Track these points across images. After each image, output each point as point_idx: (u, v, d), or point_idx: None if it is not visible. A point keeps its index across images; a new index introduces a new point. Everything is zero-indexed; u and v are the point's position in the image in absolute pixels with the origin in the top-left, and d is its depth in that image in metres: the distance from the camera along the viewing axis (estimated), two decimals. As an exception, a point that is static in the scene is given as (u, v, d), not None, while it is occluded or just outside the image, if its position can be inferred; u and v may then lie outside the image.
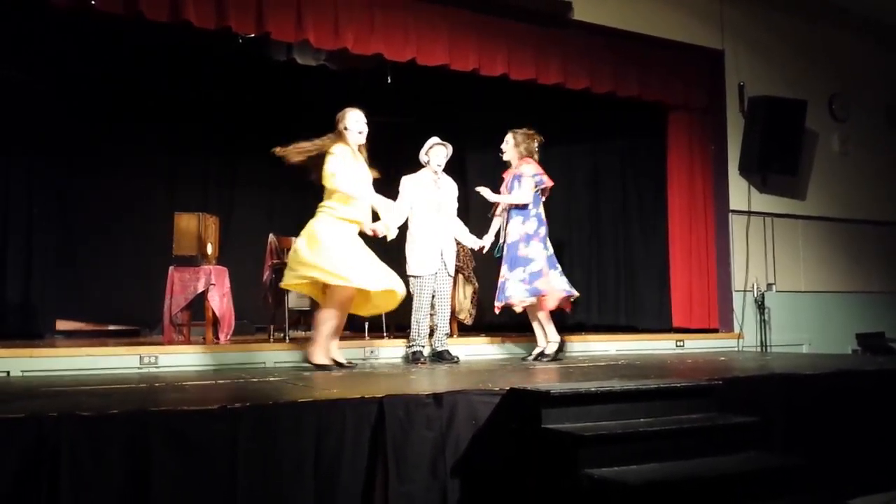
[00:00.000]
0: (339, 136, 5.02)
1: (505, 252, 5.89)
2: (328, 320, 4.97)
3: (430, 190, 5.74)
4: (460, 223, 5.97)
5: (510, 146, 6.01)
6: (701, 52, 7.73)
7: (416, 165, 5.85)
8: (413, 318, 5.73)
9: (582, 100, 7.50)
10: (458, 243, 6.07)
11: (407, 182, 5.76)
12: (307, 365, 5.06)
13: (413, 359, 5.69)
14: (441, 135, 5.82)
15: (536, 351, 5.92)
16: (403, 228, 5.63)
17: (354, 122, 5.05)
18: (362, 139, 5.08)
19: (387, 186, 5.80)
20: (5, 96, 7.27)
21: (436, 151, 5.74)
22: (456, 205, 5.94)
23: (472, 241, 6.00)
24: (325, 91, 8.05)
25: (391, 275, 4.98)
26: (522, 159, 5.94)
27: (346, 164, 4.94)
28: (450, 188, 5.89)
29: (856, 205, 8.41)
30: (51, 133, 7.78)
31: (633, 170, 8.52)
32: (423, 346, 5.75)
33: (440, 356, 5.75)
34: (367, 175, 5.10)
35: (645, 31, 7.33)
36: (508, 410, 3.63)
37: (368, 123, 5.13)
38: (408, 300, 5.40)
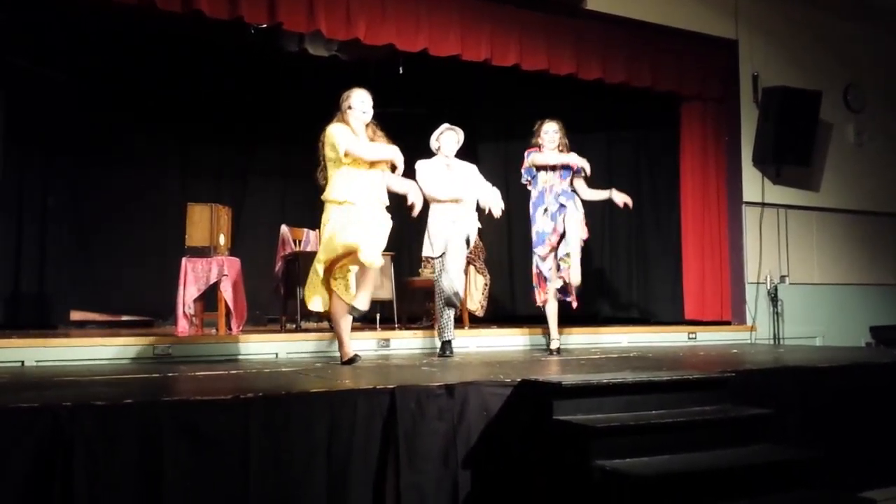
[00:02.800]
0: (339, 116, 4.82)
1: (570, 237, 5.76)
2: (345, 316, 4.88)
3: (442, 174, 5.63)
4: (483, 191, 5.74)
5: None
6: (715, 41, 7.67)
7: (428, 156, 5.83)
8: (438, 304, 5.59)
9: (595, 90, 7.46)
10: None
11: (420, 166, 5.64)
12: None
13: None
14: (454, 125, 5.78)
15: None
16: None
17: (359, 101, 4.80)
18: (367, 118, 4.81)
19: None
20: (20, 89, 7.31)
21: (446, 137, 5.64)
22: (477, 185, 5.72)
23: (495, 202, 5.69)
24: (337, 82, 8.02)
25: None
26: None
27: (346, 133, 4.70)
28: (464, 171, 5.72)
29: (870, 196, 8.34)
30: (64, 125, 7.82)
31: (646, 161, 8.48)
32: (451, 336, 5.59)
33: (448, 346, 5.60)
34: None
35: (658, 20, 7.28)
36: (520, 402, 3.63)
37: (381, 115, 4.96)
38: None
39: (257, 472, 3.04)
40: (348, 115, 4.79)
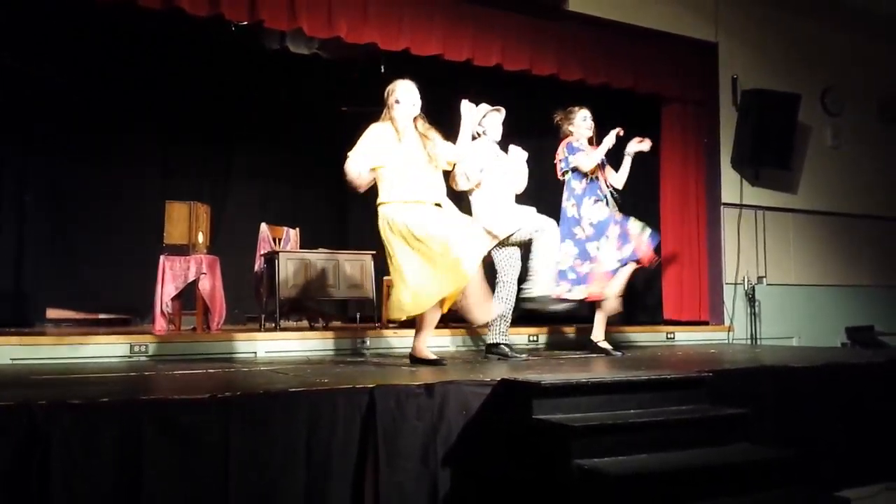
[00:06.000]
0: (385, 113, 4.55)
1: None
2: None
3: (493, 159, 5.21)
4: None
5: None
6: (695, 44, 7.73)
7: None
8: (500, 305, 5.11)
9: (576, 91, 7.48)
10: None
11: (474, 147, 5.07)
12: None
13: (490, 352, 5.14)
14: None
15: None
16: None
17: (405, 93, 4.53)
18: (415, 112, 4.58)
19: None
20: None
21: (491, 120, 5.25)
22: (525, 175, 5.39)
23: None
24: (319, 80, 8.01)
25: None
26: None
27: (368, 141, 4.45)
28: (517, 156, 5.31)
29: (847, 199, 8.44)
30: (43, 122, 7.74)
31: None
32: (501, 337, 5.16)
33: (494, 348, 5.18)
34: (418, 154, 4.51)
35: (640, 22, 7.33)
36: (499, 401, 3.63)
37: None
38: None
39: (236, 471, 3.02)
40: (395, 109, 4.53)
